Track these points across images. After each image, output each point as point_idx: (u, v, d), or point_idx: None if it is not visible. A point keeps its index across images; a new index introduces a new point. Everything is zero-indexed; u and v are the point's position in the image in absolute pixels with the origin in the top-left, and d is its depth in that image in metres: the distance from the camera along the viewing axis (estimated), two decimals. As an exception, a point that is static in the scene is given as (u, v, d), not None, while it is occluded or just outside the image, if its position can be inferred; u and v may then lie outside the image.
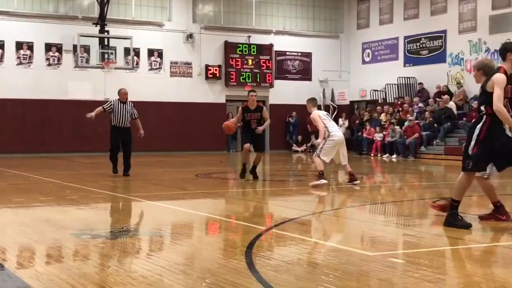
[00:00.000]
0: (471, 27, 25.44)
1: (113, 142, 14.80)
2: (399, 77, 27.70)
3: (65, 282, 5.08)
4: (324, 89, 29.67)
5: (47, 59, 25.14)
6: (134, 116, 15.04)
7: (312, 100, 13.59)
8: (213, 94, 27.84)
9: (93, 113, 14.61)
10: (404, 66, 28.24)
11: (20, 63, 24.92)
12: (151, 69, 26.81)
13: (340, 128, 29.30)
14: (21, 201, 10.98)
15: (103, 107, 14.82)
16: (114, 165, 14.91)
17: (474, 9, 25.24)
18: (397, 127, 24.84)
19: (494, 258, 6.58)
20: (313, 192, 12.37)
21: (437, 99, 24.69)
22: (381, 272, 5.75)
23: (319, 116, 12.89)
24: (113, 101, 14.92)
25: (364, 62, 29.90)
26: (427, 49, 27.22)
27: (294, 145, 28.85)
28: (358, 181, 13.10)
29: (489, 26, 24.62)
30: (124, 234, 7.69)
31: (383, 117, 26.63)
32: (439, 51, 26.76)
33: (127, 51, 25.24)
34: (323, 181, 12.52)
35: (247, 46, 28.44)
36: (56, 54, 25.23)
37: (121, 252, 6.63)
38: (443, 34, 26.54)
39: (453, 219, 7.63)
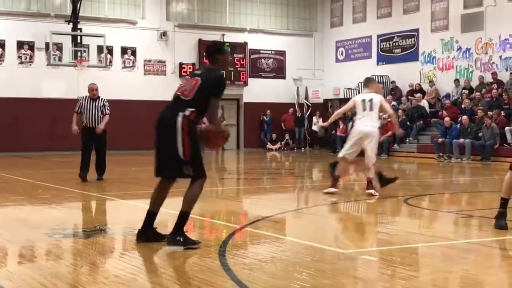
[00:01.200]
0: (443, 25, 25.74)
1: (84, 144, 13.39)
2: (373, 75, 27.08)
3: (37, 282, 5.04)
4: (298, 87, 29.88)
5: (19, 57, 25.08)
6: (104, 111, 13.54)
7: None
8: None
9: (75, 126, 13.30)
10: (377, 64, 28.40)
11: (-9, 62, 25.24)
12: (125, 67, 26.86)
13: (313, 126, 30.01)
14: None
15: (75, 111, 13.51)
16: (85, 170, 13.32)
17: (446, 8, 25.53)
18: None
19: (466, 255, 6.58)
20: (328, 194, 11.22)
21: (409, 97, 25.09)
22: (355, 270, 5.82)
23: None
24: (82, 98, 13.61)
25: (337, 60, 30.04)
26: (400, 48, 27.44)
27: (269, 143, 29.02)
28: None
29: (460, 24, 24.94)
30: (97, 233, 7.60)
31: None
32: (411, 50, 26.99)
33: (100, 49, 25.35)
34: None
35: (221, 43, 28.53)
36: (28, 52, 25.16)
37: (93, 252, 6.56)
38: (416, 33, 26.82)
39: (498, 218, 7.44)
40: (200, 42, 27.87)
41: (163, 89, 26.47)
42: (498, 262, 6.44)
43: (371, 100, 10.99)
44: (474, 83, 24.64)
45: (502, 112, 21.85)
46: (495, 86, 23.22)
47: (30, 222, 8.61)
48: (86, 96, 13.45)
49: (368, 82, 11.96)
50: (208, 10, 28.66)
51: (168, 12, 27.88)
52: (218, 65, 6.80)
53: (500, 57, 23.65)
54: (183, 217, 6.49)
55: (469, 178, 16.44)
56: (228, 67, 6.99)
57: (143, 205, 10.09)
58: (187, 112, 6.42)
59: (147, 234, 6.70)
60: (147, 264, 6.01)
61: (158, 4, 27.66)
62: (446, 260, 6.33)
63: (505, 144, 20.96)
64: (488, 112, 21.81)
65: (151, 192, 8.28)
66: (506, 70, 23.52)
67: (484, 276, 5.69)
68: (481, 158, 21.01)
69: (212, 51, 6.93)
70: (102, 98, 13.48)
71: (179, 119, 6.42)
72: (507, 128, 21.06)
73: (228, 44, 7.39)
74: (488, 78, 23.94)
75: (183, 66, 27.67)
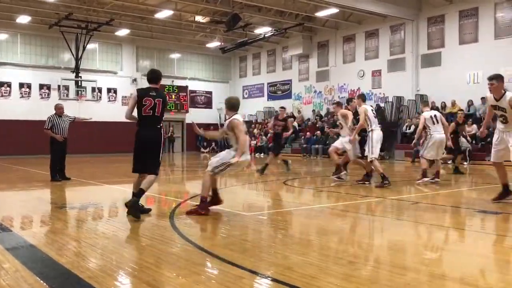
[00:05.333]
0: (305, 78, 27.05)
1: (56, 155, 11.09)
2: (264, 107, 28.95)
3: (52, 239, 4.82)
4: (220, 114, 29.69)
5: (40, 94, 25.23)
6: (72, 119, 11.43)
7: (362, 96, 9.99)
8: None
9: (58, 136, 11.01)
10: (267, 100, 29.14)
11: (22, 97, 24.96)
12: (109, 100, 26.99)
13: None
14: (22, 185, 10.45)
15: (46, 128, 11.04)
16: (55, 174, 11.03)
17: (307, 67, 26.90)
18: (264, 137, 25.52)
19: (320, 214, 6.55)
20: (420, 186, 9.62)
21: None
22: (253, 224, 5.85)
23: (366, 110, 9.43)
24: (51, 116, 11.13)
25: (244, 97, 30.15)
26: (280, 90, 28.46)
27: (202, 148, 29.02)
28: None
29: (316, 77, 26.41)
30: (91, 206, 7.23)
31: (255, 130, 27.02)
32: (287, 92, 28.07)
33: (93, 89, 25.59)
34: (425, 179, 9.88)
35: (171, 86, 28.76)
36: (47, 91, 25.29)
37: (89, 218, 6.30)
38: (290, 82, 27.96)
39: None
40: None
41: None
42: (340, 218, 6.36)
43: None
44: (324, 112, 25.83)
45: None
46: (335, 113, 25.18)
47: (46, 200, 8.37)
48: (54, 114, 11.18)
49: (348, 101, 10.88)
50: (163, 65, 28.65)
51: (137, 66, 28.10)
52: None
53: (339, 96, 24.54)
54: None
55: (321, 168, 16.52)
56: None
57: (121, 188, 9.78)
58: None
59: (137, 207, 6.04)
60: (123, 225, 5.66)
61: (130, 61, 27.90)
62: (307, 217, 6.30)
63: None
64: (331, 129, 23.16)
65: (126, 179, 8.56)
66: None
67: (331, 226, 5.74)
68: (328, 156, 19.78)
69: (156, 77, 6.20)
70: (65, 114, 11.34)
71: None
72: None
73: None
74: (332, 109, 23.54)
75: None
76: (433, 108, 20.88)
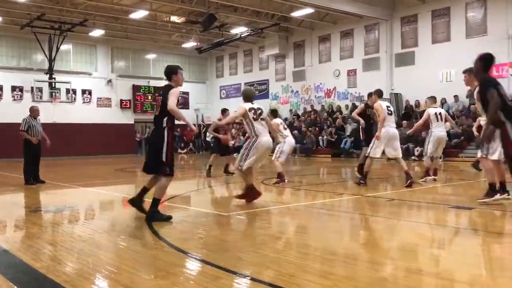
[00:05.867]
0: (282, 77, 27.10)
1: (31, 157, 10.77)
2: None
3: (26, 244, 4.74)
4: (197, 114, 29.95)
5: (13, 96, 24.60)
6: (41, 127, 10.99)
7: (378, 91, 9.58)
8: (125, 118, 27.76)
9: (31, 138, 10.71)
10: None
11: (-6, 99, 24.14)
12: (84, 102, 26.54)
13: (207, 138, 30.34)
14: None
15: (22, 129, 10.68)
16: (29, 177, 10.77)
17: (284, 66, 26.96)
18: (242, 137, 24.56)
19: (297, 212, 6.70)
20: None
21: (264, 120, 26.46)
22: (232, 224, 5.86)
23: (380, 107, 8.96)
24: (27, 118, 10.82)
25: (221, 97, 30.41)
26: (258, 90, 27.84)
27: (179, 149, 28.58)
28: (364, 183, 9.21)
29: (292, 77, 26.49)
30: (66, 209, 7.17)
31: (234, 130, 25.65)
32: (265, 91, 28.07)
33: (67, 90, 25.21)
34: (429, 177, 9.67)
35: (147, 87, 28.48)
36: (19, 93, 24.68)
37: (64, 221, 6.23)
38: (267, 81, 28.02)
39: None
40: (134, 86, 27.98)
41: (109, 116, 27.04)
42: (318, 215, 6.42)
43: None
44: (301, 111, 25.72)
45: (316, 128, 22.97)
46: (312, 113, 24.59)
47: (20, 204, 8.20)
48: (29, 116, 10.86)
49: (368, 95, 10.21)
50: (139, 66, 28.66)
51: (112, 67, 27.75)
52: (173, 83, 5.93)
53: (315, 96, 25.28)
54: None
55: (298, 167, 16.49)
56: (181, 83, 5.95)
57: (97, 190, 9.81)
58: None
59: (136, 202, 6.11)
60: (100, 228, 5.58)
61: (105, 62, 27.45)
62: (285, 215, 6.43)
63: (319, 147, 22.07)
64: (309, 128, 22.99)
65: (101, 181, 8.55)
66: (318, 103, 24.97)
67: (309, 224, 5.86)
68: (305, 155, 21.82)
69: (167, 72, 6.05)
70: (38, 118, 11.00)
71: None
72: (320, 137, 22.18)
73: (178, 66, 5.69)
74: (308, 108, 25.23)
75: (123, 101, 27.67)
76: (407, 106, 21.31)
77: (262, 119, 7.04)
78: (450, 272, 3.74)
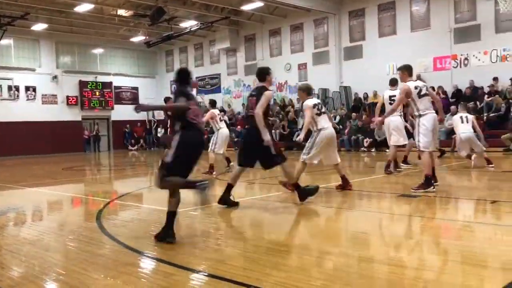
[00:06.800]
0: (234, 71, 26.94)
1: None
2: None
3: None
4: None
5: None
6: None
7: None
8: (72, 115, 27.18)
9: None
10: (197, 94, 25.45)
11: None
12: (28, 99, 25.71)
13: (158, 134, 30.32)
14: None
15: None
16: None
17: (235, 60, 26.79)
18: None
19: (251, 206, 6.63)
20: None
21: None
22: (185, 220, 5.74)
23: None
24: None
25: (171, 92, 26.87)
26: (210, 84, 28.20)
27: (130, 146, 28.61)
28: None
29: (244, 71, 26.31)
30: (11, 211, 7.05)
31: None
32: (216, 86, 27.88)
33: (10, 87, 24.61)
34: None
35: (95, 83, 28.01)
36: None
37: (11, 223, 6.14)
38: (219, 76, 27.78)
39: None
40: (81, 82, 27.39)
41: (56, 113, 26.33)
42: (272, 208, 6.40)
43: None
44: None
45: (269, 121, 24.17)
46: None
47: None
48: None
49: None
50: (85, 61, 28.01)
51: (57, 62, 27.04)
52: (266, 84, 6.14)
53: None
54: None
55: None
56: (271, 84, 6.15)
57: (44, 191, 9.57)
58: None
59: (225, 199, 6.30)
60: (48, 229, 5.48)
61: (50, 57, 26.68)
62: (239, 209, 6.29)
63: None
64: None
65: (49, 181, 8.50)
66: (274, 98, 26.14)
67: (263, 217, 5.88)
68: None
69: (261, 73, 6.30)
70: None
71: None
72: (272, 131, 23.28)
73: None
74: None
75: (69, 98, 27.05)
76: (356, 99, 21.77)
77: (323, 112, 7.28)
78: (400, 259, 3.86)
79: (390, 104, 9.38)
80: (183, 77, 4.72)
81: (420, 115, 6.95)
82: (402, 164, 10.41)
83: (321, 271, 3.56)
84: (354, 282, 3.26)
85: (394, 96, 9.20)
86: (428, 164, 6.85)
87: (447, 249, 4.15)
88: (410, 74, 7.24)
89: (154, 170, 13.13)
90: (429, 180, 6.84)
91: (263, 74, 6.26)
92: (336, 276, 3.42)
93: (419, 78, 12.59)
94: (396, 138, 9.57)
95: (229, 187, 6.38)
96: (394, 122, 9.53)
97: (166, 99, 11.38)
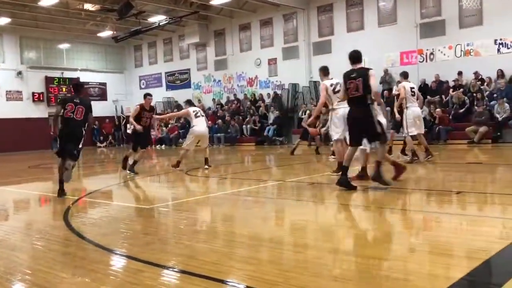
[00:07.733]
0: (204, 66, 26.77)
1: None
2: (163, 97, 28.11)
3: None
4: (116, 106, 29.59)
5: None
6: None
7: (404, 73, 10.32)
8: (38, 111, 26.55)
9: None
10: (166, 90, 28.58)
11: None
12: None
13: (128, 130, 29.75)
14: None
15: None
16: None
17: (205, 55, 26.51)
18: (164, 128, 25.16)
19: (223, 200, 6.68)
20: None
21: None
22: (155, 217, 5.75)
23: (404, 87, 9.86)
24: None
25: (141, 88, 29.58)
26: (179, 80, 27.98)
27: (98, 143, 28.25)
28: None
29: (214, 66, 26.13)
30: None
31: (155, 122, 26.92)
32: (186, 81, 27.67)
33: None
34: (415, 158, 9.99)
35: (61, 79, 27.45)
36: None
37: None
38: (188, 71, 27.59)
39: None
40: (47, 78, 26.90)
41: (20, 110, 25.73)
42: (243, 203, 6.50)
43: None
44: (224, 100, 25.53)
45: (240, 117, 22.96)
46: (235, 102, 24.43)
47: None
48: None
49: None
50: (51, 56, 27.50)
51: (22, 58, 26.38)
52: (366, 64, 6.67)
53: (237, 85, 25.18)
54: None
55: (224, 156, 16.62)
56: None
57: (10, 189, 9.43)
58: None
59: (344, 182, 6.46)
60: (14, 229, 5.38)
61: (14, 52, 26.03)
62: (211, 205, 6.46)
63: (243, 135, 22.25)
64: (233, 117, 22.81)
65: (14, 179, 8.41)
66: (241, 92, 24.72)
67: (234, 211, 5.92)
68: (229, 144, 21.97)
69: (358, 57, 6.72)
70: None
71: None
72: (243, 126, 22.27)
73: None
74: (232, 97, 25.03)
75: (35, 94, 26.49)
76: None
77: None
78: (367, 250, 3.91)
79: (412, 95, 9.87)
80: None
81: (333, 109, 7.80)
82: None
83: (291, 264, 3.58)
84: (322, 273, 3.29)
85: (413, 87, 10.05)
86: (339, 152, 7.77)
87: (414, 240, 4.22)
88: (326, 74, 8.20)
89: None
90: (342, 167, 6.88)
91: (360, 56, 6.77)
92: (305, 268, 3.44)
93: (386, 72, 13.03)
94: (412, 129, 9.80)
95: (378, 164, 6.47)
96: (415, 112, 9.88)
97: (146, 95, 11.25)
